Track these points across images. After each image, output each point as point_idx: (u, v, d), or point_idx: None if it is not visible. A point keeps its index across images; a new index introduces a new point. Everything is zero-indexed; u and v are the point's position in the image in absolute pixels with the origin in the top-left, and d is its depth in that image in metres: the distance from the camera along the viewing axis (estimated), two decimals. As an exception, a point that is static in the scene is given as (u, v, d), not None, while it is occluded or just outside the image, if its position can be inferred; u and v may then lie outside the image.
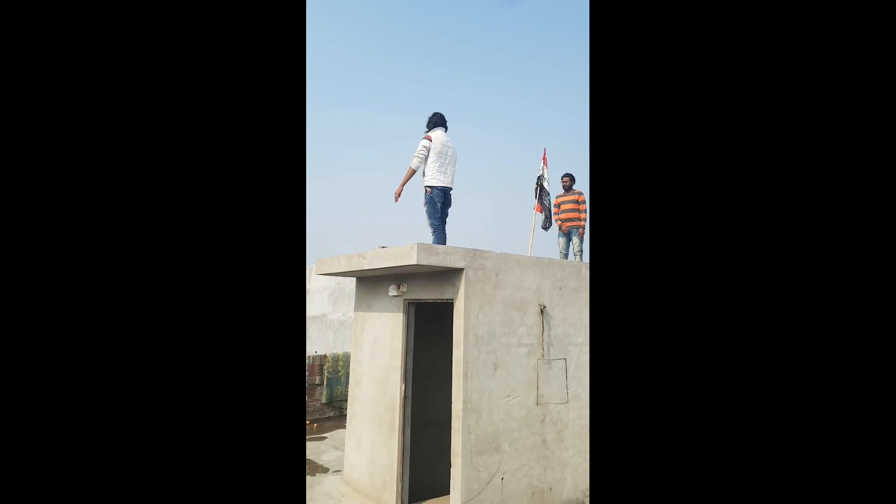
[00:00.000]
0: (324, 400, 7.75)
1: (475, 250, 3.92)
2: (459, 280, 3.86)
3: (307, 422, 7.35)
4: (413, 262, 3.53)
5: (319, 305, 11.35)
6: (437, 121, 4.84)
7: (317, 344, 10.54)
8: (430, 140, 4.65)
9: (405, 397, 4.31)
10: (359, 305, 5.15)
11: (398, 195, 4.72)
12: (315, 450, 6.16)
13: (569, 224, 6.29)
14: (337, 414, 7.81)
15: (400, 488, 4.19)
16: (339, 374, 7.88)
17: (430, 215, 4.70)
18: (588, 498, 4.42)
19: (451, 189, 4.79)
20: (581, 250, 6.23)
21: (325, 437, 6.75)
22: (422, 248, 3.57)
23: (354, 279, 5.42)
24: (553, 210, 6.46)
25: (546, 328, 4.29)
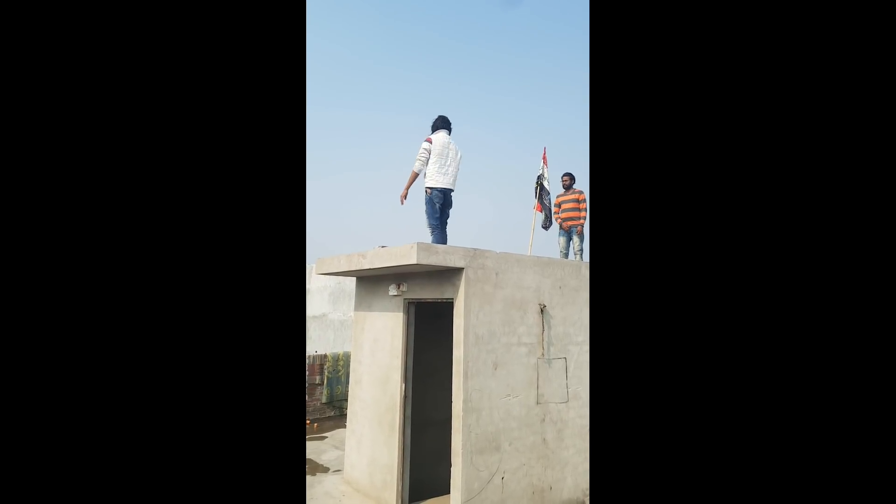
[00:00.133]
0: (324, 399, 7.75)
1: (475, 250, 3.92)
2: (459, 279, 3.86)
3: (307, 421, 7.35)
4: (413, 261, 3.53)
5: (319, 305, 11.35)
6: (440, 123, 4.92)
7: (317, 343, 10.54)
8: (431, 142, 4.73)
9: (405, 397, 4.31)
10: (359, 305, 5.15)
11: (403, 198, 4.81)
12: (315, 449, 6.16)
13: (570, 223, 6.30)
14: (337, 413, 7.82)
15: (400, 487, 4.19)
16: (340, 373, 7.88)
17: (429, 216, 4.76)
18: (588, 497, 4.42)
19: (451, 190, 4.81)
20: (581, 249, 6.24)
21: (326, 437, 6.75)
22: (421, 247, 3.57)
23: (354, 279, 5.42)
24: (553, 210, 6.47)
25: (546, 327, 4.29)
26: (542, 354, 4.24)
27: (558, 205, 6.47)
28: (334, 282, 10.73)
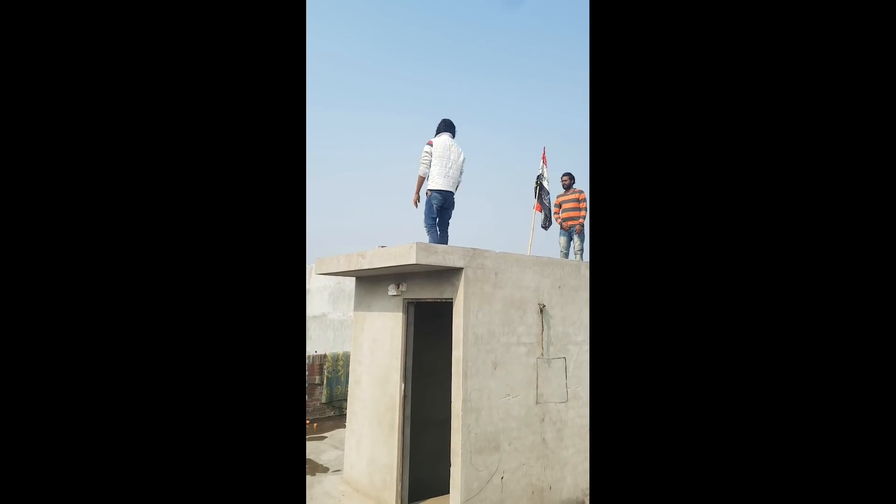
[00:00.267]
0: (324, 399, 7.75)
1: (474, 249, 3.92)
2: (458, 279, 3.86)
3: (307, 421, 7.35)
4: (412, 261, 3.53)
5: (319, 305, 11.35)
6: (443, 127, 4.98)
7: (317, 343, 10.54)
8: (431, 145, 4.80)
9: (405, 396, 4.31)
10: (358, 305, 5.15)
11: (416, 202, 4.95)
12: (315, 449, 6.16)
13: (570, 223, 6.32)
14: (337, 413, 7.81)
15: (399, 487, 4.19)
16: (339, 373, 7.88)
17: (426, 216, 4.84)
18: (588, 497, 4.43)
19: (452, 193, 4.84)
20: (581, 249, 6.25)
21: (325, 437, 6.75)
22: (421, 247, 3.57)
23: (354, 279, 5.42)
24: (554, 210, 6.49)
25: (545, 327, 4.29)
26: (542, 354, 4.24)
27: (559, 205, 6.49)
28: (334, 282, 10.73)
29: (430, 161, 4.79)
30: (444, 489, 4.24)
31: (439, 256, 3.68)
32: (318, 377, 7.74)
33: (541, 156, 6.63)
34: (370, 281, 4.96)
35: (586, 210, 6.32)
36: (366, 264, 4.17)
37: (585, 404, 4.53)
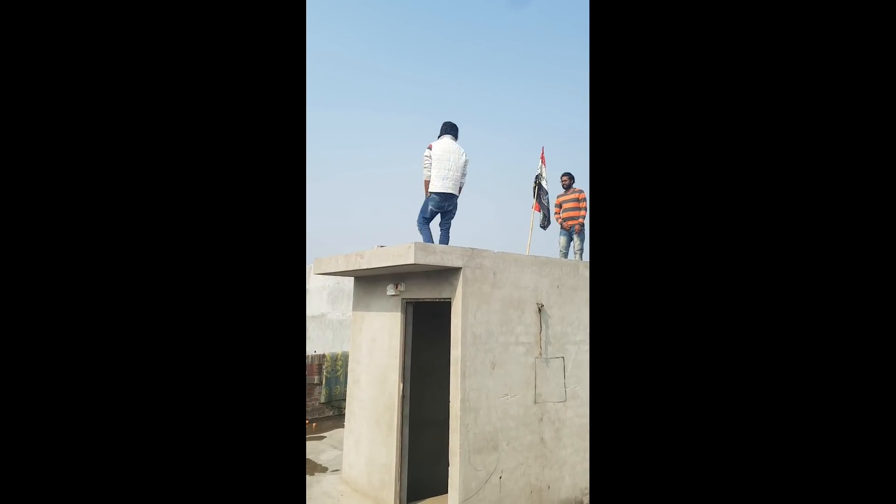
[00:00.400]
0: (322, 399, 7.75)
1: (472, 249, 3.93)
2: (457, 279, 3.87)
3: (306, 421, 7.35)
4: (410, 261, 3.53)
5: (318, 305, 11.34)
6: (445, 129, 5.00)
7: (316, 343, 10.53)
8: (431, 148, 4.83)
9: (403, 396, 4.32)
10: (357, 305, 5.16)
11: None
12: (314, 449, 6.16)
13: (570, 223, 6.33)
14: (336, 413, 7.82)
15: (398, 487, 4.19)
16: (338, 373, 7.88)
17: (419, 215, 4.86)
18: (587, 496, 4.44)
19: (452, 195, 4.85)
20: (581, 249, 6.26)
21: (324, 437, 6.75)
22: (419, 247, 3.57)
23: (352, 279, 5.42)
24: (554, 210, 6.51)
25: (544, 327, 4.30)
26: (540, 354, 4.25)
27: (559, 205, 6.50)
28: (333, 282, 10.72)
29: (430, 164, 4.83)
30: (443, 489, 4.24)
31: (437, 256, 3.68)
32: (316, 377, 7.74)
33: (539, 156, 6.65)
34: (369, 281, 4.97)
35: (586, 210, 6.33)
36: (364, 264, 4.17)
37: (584, 404, 4.54)
